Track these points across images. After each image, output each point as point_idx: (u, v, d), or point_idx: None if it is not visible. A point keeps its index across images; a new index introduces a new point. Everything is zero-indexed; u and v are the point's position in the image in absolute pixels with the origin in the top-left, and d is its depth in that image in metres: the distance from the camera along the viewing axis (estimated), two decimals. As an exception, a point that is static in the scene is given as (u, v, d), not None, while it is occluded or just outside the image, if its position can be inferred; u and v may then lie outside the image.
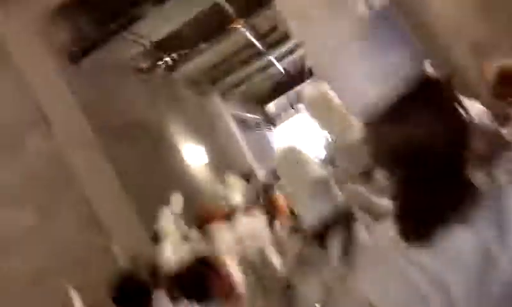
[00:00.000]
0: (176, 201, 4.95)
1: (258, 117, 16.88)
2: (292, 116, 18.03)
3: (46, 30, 5.42)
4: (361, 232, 1.60)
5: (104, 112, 6.07)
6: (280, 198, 4.30)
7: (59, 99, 5.10)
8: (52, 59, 5.31)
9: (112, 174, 5.30)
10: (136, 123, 6.83)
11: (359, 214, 1.74)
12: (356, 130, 2.15)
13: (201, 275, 2.32)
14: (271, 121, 18.31)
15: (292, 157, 1.85)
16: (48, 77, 5.10)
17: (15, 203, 3.66)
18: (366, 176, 2.21)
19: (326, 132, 2.46)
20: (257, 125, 16.25)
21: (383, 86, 0.83)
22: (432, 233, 0.81)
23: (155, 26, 6.95)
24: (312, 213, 1.70)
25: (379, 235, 1.30)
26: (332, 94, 2.22)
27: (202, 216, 3.89)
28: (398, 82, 0.82)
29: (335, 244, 1.61)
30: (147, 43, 7.29)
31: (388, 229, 0.88)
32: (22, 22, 4.89)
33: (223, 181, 5.31)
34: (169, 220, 4.73)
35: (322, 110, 2.33)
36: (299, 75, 15.05)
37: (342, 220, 1.67)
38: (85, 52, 5.88)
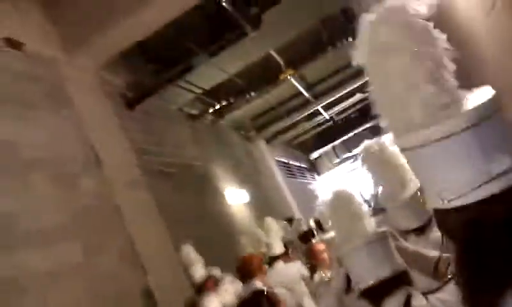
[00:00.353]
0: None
1: (302, 165, 16.90)
2: (336, 166, 17.95)
3: (105, 75, 5.74)
4: (418, 297, 1.48)
5: (153, 155, 6.28)
6: (322, 247, 4.22)
7: (112, 141, 5.32)
8: (109, 103, 5.58)
9: (157, 215, 5.41)
10: (183, 166, 7.01)
11: (416, 276, 1.64)
12: (411, 187, 2.16)
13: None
14: (315, 169, 18.27)
15: (347, 202, 1.76)
16: (104, 119, 5.36)
17: (66, 239, 3.79)
18: (419, 232, 2.20)
19: (379, 186, 2.43)
20: (301, 172, 16.23)
21: (475, 182, 0.81)
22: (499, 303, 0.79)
23: (208, 75, 7.21)
24: (368, 272, 1.58)
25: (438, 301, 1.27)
26: (391, 149, 2.26)
27: (243, 269, 3.88)
28: (497, 183, 0.80)
29: None
30: (198, 91, 7.54)
31: (450, 296, 0.88)
32: (83, 67, 5.20)
33: (262, 225, 5.26)
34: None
35: (380, 164, 2.31)
36: (345, 125, 15.08)
37: (399, 282, 1.55)
38: (140, 98, 6.15)
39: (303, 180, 15.92)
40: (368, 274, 1.58)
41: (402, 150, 0.91)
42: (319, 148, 17.45)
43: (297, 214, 11.01)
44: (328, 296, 2.47)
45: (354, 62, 0.98)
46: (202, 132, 8.53)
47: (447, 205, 0.84)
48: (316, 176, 17.87)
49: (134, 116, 6.24)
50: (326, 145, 16.95)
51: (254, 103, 9.23)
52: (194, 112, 8.37)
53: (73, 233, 3.93)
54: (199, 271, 4.79)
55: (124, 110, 6.07)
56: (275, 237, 4.88)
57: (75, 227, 3.98)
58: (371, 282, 1.56)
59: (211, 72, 7.14)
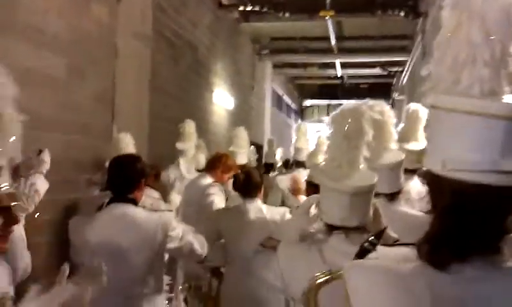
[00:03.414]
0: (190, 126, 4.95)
1: (292, 105, 16.79)
2: (320, 122, 17.95)
3: None
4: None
5: (168, 18, 6.03)
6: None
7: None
8: None
9: (147, 75, 5.31)
10: (189, 44, 6.80)
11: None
12: (393, 154, 2.23)
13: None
14: (301, 115, 18.23)
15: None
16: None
17: (56, 49, 3.63)
18: (392, 197, 2.32)
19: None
20: (288, 111, 16.17)
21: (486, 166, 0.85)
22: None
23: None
24: (345, 215, 1.64)
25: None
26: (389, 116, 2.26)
27: (216, 163, 3.83)
28: (500, 177, 0.84)
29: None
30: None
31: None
32: None
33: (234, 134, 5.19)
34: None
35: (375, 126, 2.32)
36: (351, 90, 14.90)
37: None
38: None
39: (285, 119, 15.89)
40: (336, 215, 1.65)
41: (433, 107, 0.94)
42: (314, 98, 17.31)
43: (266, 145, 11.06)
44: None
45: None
46: (222, 23, 8.23)
47: (445, 172, 0.88)
48: (299, 121, 17.88)
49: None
50: (323, 99, 16.81)
51: (281, 23, 8.91)
52: (224, 0, 8.01)
53: (65, 47, 3.76)
54: None
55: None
56: (242, 148, 4.83)
57: (69, 43, 3.80)
58: (338, 224, 1.64)
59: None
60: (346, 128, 1.72)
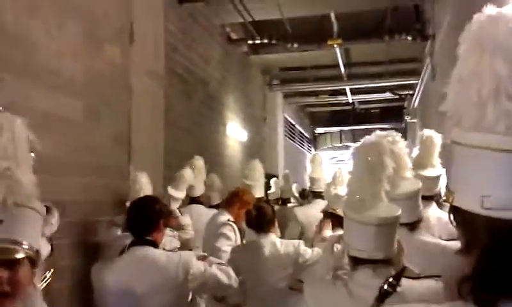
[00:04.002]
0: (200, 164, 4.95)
1: (305, 133, 16.82)
2: (334, 149, 17.89)
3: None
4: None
5: (180, 55, 6.14)
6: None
7: (151, 25, 5.19)
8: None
9: (161, 112, 5.38)
10: (201, 80, 6.90)
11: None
12: (409, 183, 2.21)
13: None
14: (314, 143, 18.22)
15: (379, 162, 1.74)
16: (151, 2, 5.21)
17: (73, 92, 3.71)
18: (412, 226, 2.30)
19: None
20: (301, 140, 16.17)
21: None
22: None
23: (264, 8, 6.99)
24: (363, 247, 1.64)
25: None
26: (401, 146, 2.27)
27: (234, 199, 3.83)
28: None
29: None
30: (248, 18, 7.29)
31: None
32: None
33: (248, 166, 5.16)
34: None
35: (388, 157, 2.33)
36: (363, 115, 14.91)
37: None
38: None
39: (299, 147, 15.89)
40: (362, 248, 1.64)
41: (458, 143, 0.94)
42: (327, 126, 17.31)
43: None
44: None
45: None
46: (232, 57, 8.35)
47: (483, 212, 0.87)
48: (312, 150, 17.82)
49: (179, 13, 6.10)
50: (336, 126, 16.81)
51: (290, 54, 9.01)
52: (233, 35, 8.15)
53: (81, 90, 3.84)
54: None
55: (172, 2, 5.88)
56: (258, 181, 4.81)
57: (84, 85, 3.89)
58: (364, 256, 1.63)
59: (268, 6, 6.91)
60: (368, 162, 1.72)
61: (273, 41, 8.10)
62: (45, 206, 2.68)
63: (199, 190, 4.92)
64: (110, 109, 4.31)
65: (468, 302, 0.88)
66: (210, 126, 7.23)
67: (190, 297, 2.54)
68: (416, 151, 3.09)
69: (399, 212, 1.72)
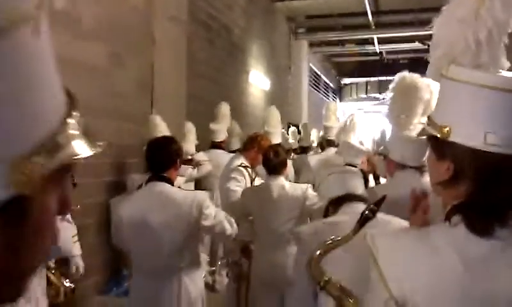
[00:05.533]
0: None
1: (331, 84, 16.63)
2: (359, 100, 17.67)
3: None
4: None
5: (203, 1, 6.11)
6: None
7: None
8: None
9: (183, 59, 5.42)
10: (224, 27, 6.87)
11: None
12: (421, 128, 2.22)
13: None
14: (339, 93, 18.02)
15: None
16: None
17: (97, 38, 3.79)
18: (421, 170, 2.32)
19: (393, 120, 2.46)
20: (325, 90, 16.02)
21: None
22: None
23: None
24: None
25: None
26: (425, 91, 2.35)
27: (253, 144, 3.92)
28: None
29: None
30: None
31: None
32: None
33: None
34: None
35: (409, 97, 2.37)
36: (390, 66, 14.60)
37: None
38: None
39: (324, 98, 15.77)
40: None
41: (460, 81, 0.98)
42: (353, 76, 17.04)
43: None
44: None
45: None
46: (256, 4, 8.25)
47: (486, 147, 0.94)
48: (337, 101, 17.65)
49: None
50: (362, 77, 16.53)
51: (316, 1, 8.84)
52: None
53: (104, 36, 3.91)
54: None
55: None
56: (275, 127, 4.88)
57: (108, 32, 3.96)
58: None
59: None
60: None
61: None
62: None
63: (221, 136, 5.03)
64: (133, 55, 4.39)
65: (463, 228, 0.96)
66: (233, 74, 7.26)
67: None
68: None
69: None
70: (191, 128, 4.82)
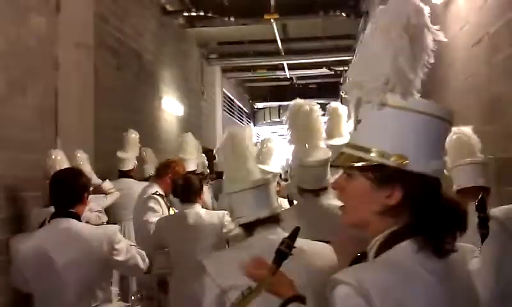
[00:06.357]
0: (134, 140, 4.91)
1: (244, 108, 16.85)
2: (272, 124, 18.07)
3: None
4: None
5: (111, 27, 5.95)
6: None
7: None
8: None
9: (90, 85, 5.21)
10: (134, 53, 6.72)
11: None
12: (321, 152, 2.38)
13: None
14: (253, 118, 18.31)
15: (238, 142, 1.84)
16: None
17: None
18: (318, 193, 2.36)
19: (293, 145, 2.51)
20: (240, 115, 16.21)
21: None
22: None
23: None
24: (250, 211, 1.75)
25: None
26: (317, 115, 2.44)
27: (166, 170, 3.81)
28: None
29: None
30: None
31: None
32: None
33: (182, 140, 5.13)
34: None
35: (304, 124, 2.44)
36: (301, 90, 15.11)
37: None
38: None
39: (238, 122, 15.92)
40: (249, 212, 1.74)
41: (412, 110, 1.01)
42: (266, 101, 17.43)
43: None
44: None
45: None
46: (167, 30, 8.17)
47: (433, 173, 1.02)
48: (251, 125, 17.91)
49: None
50: (275, 101, 16.95)
51: (228, 28, 8.95)
52: (169, 7, 7.97)
53: (4, 62, 3.65)
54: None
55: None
56: (191, 154, 4.81)
57: (8, 57, 3.70)
58: (251, 219, 1.73)
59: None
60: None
61: (209, 14, 8.01)
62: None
63: (129, 164, 4.85)
64: (35, 82, 4.13)
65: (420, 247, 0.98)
66: (144, 100, 7.09)
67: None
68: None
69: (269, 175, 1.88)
70: (85, 158, 4.55)
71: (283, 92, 15.57)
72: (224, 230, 2.99)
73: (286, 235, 1.33)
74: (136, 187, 4.51)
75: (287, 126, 2.51)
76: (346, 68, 11.71)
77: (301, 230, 1.34)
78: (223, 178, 1.91)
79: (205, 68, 11.11)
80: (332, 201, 2.29)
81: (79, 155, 4.05)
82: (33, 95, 4.06)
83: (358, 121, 1.05)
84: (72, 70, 4.78)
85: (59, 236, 2.31)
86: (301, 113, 2.44)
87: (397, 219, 1.01)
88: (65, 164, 3.63)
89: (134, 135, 4.94)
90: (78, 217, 2.39)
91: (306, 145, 2.38)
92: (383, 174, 1.01)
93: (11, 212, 3.67)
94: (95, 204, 3.74)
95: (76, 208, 2.39)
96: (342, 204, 1.09)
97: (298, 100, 2.52)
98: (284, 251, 1.21)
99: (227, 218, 2.99)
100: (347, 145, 1.07)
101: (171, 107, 8.26)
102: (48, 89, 4.35)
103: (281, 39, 9.66)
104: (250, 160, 1.80)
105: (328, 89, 14.64)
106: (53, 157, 3.73)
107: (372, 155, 1.00)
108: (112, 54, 5.96)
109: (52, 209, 2.57)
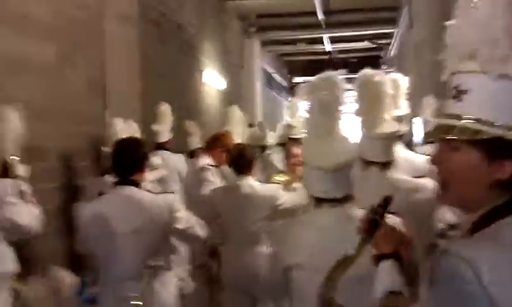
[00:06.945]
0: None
1: (283, 82, 16.75)
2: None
3: None
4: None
5: (156, 4, 5.98)
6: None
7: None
8: None
9: (135, 58, 5.27)
10: (176, 25, 6.74)
11: None
12: (389, 125, 2.30)
13: None
14: (292, 92, 18.17)
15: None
16: None
17: (45, 36, 3.59)
18: (384, 166, 2.30)
19: (361, 117, 2.45)
20: (278, 88, 16.13)
21: None
22: None
23: None
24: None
25: None
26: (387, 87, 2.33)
27: (216, 142, 3.84)
28: None
29: None
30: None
31: None
32: None
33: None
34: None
35: (373, 95, 2.35)
36: (340, 65, 14.86)
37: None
38: None
39: (276, 96, 15.85)
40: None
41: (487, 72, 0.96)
42: (304, 75, 17.24)
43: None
44: None
45: None
46: (208, 3, 8.14)
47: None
48: (289, 99, 17.78)
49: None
50: (313, 75, 16.70)
51: (268, 1, 8.84)
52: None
53: (53, 34, 3.72)
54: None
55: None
56: (236, 127, 4.81)
57: (57, 30, 3.77)
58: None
59: None
60: (321, 99, 1.76)
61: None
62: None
63: (164, 136, 4.89)
64: (83, 54, 4.21)
65: None
66: (187, 73, 7.13)
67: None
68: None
69: (353, 155, 1.82)
70: (136, 129, 4.64)
71: (322, 66, 15.34)
72: (277, 203, 3.00)
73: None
74: (172, 158, 4.56)
75: (355, 96, 2.42)
76: (388, 41, 11.42)
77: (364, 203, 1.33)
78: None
79: (244, 41, 11.06)
80: (398, 175, 2.26)
81: (130, 125, 4.12)
82: (82, 67, 4.15)
83: (460, 91, 0.99)
84: (117, 43, 4.84)
85: (122, 203, 2.38)
86: (370, 83, 2.36)
87: (501, 194, 0.97)
88: (125, 134, 3.71)
89: (166, 108, 4.96)
90: (139, 185, 2.44)
91: (374, 117, 2.32)
92: (498, 147, 0.97)
93: (62, 180, 3.80)
94: (149, 174, 3.82)
95: (136, 176, 2.44)
96: (442, 180, 1.03)
97: (367, 70, 2.43)
98: (375, 217, 1.21)
99: (280, 191, 2.99)
100: (449, 116, 1.01)
101: (212, 80, 8.28)
102: (96, 61, 4.44)
103: (322, 12, 9.47)
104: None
105: (368, 63, 14.28)
106: (117, 127, 3.81)
107: (495, 129, 0.96)
108: (155, 26, 6.00)
109: (106, 178, 2.63)
